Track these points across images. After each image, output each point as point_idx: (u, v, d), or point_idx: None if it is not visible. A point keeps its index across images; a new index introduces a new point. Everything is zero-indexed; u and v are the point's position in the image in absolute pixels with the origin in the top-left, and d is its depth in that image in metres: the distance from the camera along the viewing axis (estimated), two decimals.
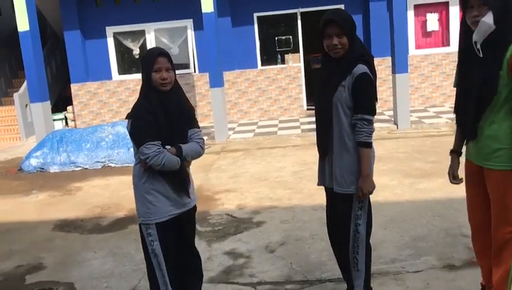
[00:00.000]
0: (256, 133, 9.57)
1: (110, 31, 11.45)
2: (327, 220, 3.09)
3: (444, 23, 10.85)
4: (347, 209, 2.80)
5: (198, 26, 11.11)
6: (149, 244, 2.78)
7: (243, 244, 4.25)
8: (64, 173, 7.86)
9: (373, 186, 2.75)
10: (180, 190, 2.76)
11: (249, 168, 6.99)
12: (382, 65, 10.62)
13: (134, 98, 11.15)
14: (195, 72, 11.39)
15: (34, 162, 8.25)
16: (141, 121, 2.65)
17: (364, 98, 2.69)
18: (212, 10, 8.89)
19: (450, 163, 2.88)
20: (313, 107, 10.80)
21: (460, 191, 5.05)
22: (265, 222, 4.76)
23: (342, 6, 10.91)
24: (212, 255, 4.04)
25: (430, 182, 5.56)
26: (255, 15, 11.15)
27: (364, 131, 2.69)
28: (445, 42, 10.89)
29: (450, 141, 7.91)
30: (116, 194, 6.34)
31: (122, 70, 11.66)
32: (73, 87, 11.37)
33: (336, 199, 2.86)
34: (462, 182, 2.84)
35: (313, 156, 7.55)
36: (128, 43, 11.52)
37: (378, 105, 2.85)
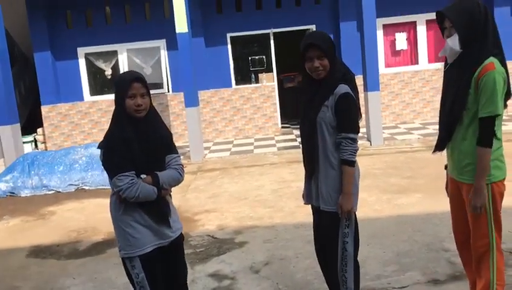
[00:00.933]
0: (232, 151, 9.56)
1: (81, 51, 11.33)
2: (315, 239, 3.08)
3: (412, 42, 11.18)
4: (334, 227, 2.81)
5: (171, 46, 11.12)
6: (135, 277, 2.63)
7: (227, 265, 4.20)
8: (36, 197, 7.63)
9: (352, 205, 2.75)
10: (160, 221, 2.62)
11: (228, 187, 6.96)
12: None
13: (106, 119, 11.03)
14: (168, 91, 11.34)
15: (3, 186, 7.99)
16: (113, 151, 2.51)
17: (347, 118, 2.73)
18: (187, 30, 8.91)
19: (444, 178, 2.94)
20: (288, 126, 10.89)
21: (438, 205, 5.19)
22: (248, 241, 4.72)
23: (313, 27, 11.16)
24: (195, 278, 3.97)
25: (407, 197, 5.66)
26: (228, 35, 11.24)
27: (349, 149, 2.72)
28: (414, 60, 11.21)
29: (423, 157, 8.09)
30: (92, 217, 6.19)
31: (94, 91, 11.51)
32: (44, 108, 11.13)
33: (321, 216, 2.87)
34: None
35: (290, 173, 7.63)
36: (100, 64, 11.40)
37: (360, 122, 2.90)
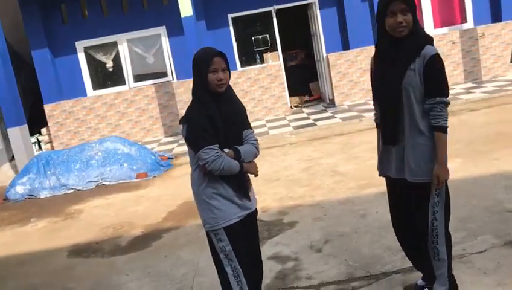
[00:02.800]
0: None
1: (80, 45, 11.01)
2: (392, 211, 2.94)
3: (417, 6, 10.97)
4: (424, 198, 2.67)
5: (172, 33, 10.86)
6: (221, 250, 2.63)
7: (284, 246, 4.07)
8: (56, 197, 7.44)
9: (448, 173, 2.62)
10: (241, 192, 2.63)
11: None
12: (361, 55, 10.66)
13: (112, 113, 10.80)
14: (173, 79, 11.09)
15: (20, 189, 7.78)
16: (197, 125, 2.53)
17: (440, 81, 2.56)
18: (191, 14, 8.67)
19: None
20: (297, 105, 10.68)
21: (481, 169, 5.09)
22: (297, 221, 4.59)
23: (316, 1, 10.94)
24: None
25: (448, 163, 5.53)
26: (230, 16, 10.98)
27: (443, 115, 2.55)
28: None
29: (468, 119, 7.87)
30: (123, 212, 6.02)
31: (97, 85, 11.23)
32: (47, 107, 10.84)
33: (407, 189, 2.72)
34: None
35: (315, 151, 7.49)
36: (101, 57, 11.11)
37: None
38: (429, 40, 2.59)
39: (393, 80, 2.62)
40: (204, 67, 2.51)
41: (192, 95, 2.62)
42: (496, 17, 10.96)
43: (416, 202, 2.70)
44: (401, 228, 2.92)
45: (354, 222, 4.29)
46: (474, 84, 10.43)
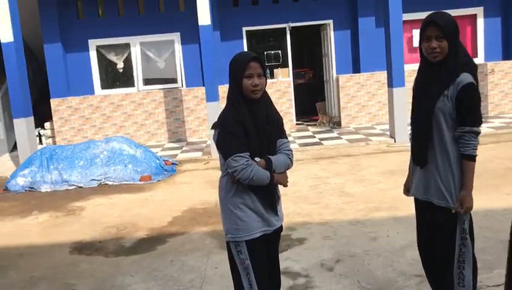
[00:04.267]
0: None
1: (92, 44, 11.01)
2: (419, 233, 2.92)
3: None
4: (452, 223, 2.65)
5: (185, 40, 10.89)
6: (240, 262, 2.54)
7: (294, 262, 4.02)
8: (57, 192, 7.35)
9: (473, 201, 2.61)
10: (268, 206, 2.54)
11: None
12: (371, 80, 10.73)
13: (119, 114, 10.76)
14: (182, 86, 11.09)
15: (21, 181, 7.70)
16: (229, 132, 2.45)
17: (472, 110, 2.56)
18: (209, 23, 8.70)
19: None
20: (300, 122, 10.76)
21: (491, 201, 5.08)
22: (307, 238, 4.55)
23: (331, 22, 11.03)
24: None
25: None
26: (244, 29, 11.04)
27: (472, 144, 2.55)
28: None
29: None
30: (127, 213, 5.95)
31: (106, 85, 11.21)
32: (53, 102, 10.79)
33: (436, 211, 2.71)
34: None
35: (322, 170, 7.47)
36: (112, 57, 11.11)
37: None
38: (468, 68, 2.58)
39: (427, 104, 2.63)
40: (240, 72, 2.44)
41: (227, 99, 2.57)
42: (507, 55, 11.08)
43: (445, 227, 2.68)
44: (426, 250, 2.89)
45: (365, 244, 4.25)
46: None
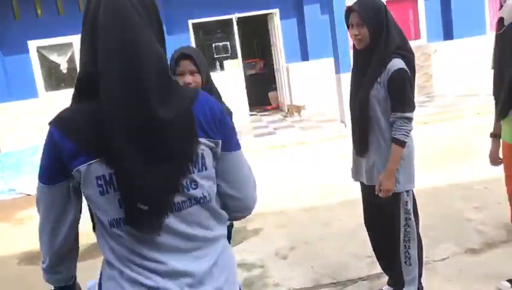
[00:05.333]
0: None
1: (32, 45, 10.57)
2: (366, 216, 2.98)
3: None
4: (396, 206, 2.71)
5: None
6: None
7: (250, 254, 4.02)
8: (4, 201, 7.06)
9: (392, 185, 2.62)
10: None
11: None
12: (319, 67, 10.84)
13: None
14: None
15: None
16: None
17: (403, 96, 2.57)
18: None
19: (490, 146, 2.89)
20: (254, 113, 10.73)
21: (439, 179, 5.25)
22: (262, 228, 4.57)
23: (277, 11, 11.04)
24: None
25: None
26: (190, 22, 10.89)
27: (403, 129, 2.57)
28: None
29: (422, 132, 8.15)
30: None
31: (50, 87, 10.80)
32: None
33: (378, 194, 2.76)
34: (501, 163, 2.86)
35: (276, 159, 7.50)
36: (55, 58, 10.71)
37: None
38: (401, 52, 2.58)
39: (362, 92, 2.65)
40: (172, 70, 2.39)
41: None
42: (448, 35, 11.45)
43: (388, 209, 2.73)
44: (373, 231, 2.96)
45: (318, 229, 4.31)
46: (426, 99, 10.82)
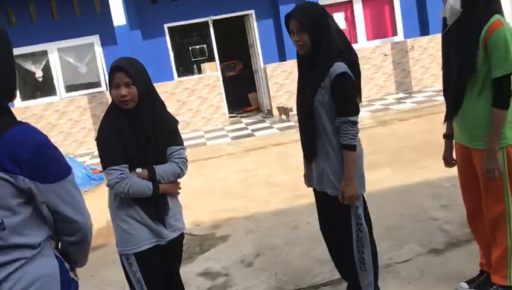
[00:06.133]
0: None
1: None
2: (320, 221, 2.94)
3: (350, 21, 11.32)
4: (345, 211, 2.67)
5: (105, 42, 10.54)
6: (132, 275, 2.46)
7: (215, 262, 3.97)
8: None
9: (355, 190, 2.59)
10: (155, 217, 2.42)
11: (189, 182, 6.60)
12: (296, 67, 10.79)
13: (41, 125, 10.28)
14: (107, 90, 10.74)
15: None
16: (102, 144, 2.35)
17: (346, 100, 2.53)
18: (125, 23, 8.45)
19: (444, 148, 2.86)
20: (234, 115, 10.72)
21: (409, 177, 5.24)
22: (230, 235, 4.51)
23: (253, 12, 11.01)
24: (186, 280, 3.69)
25: (377, 172, 5.66)
26: (166, 26, 10.81)
27: (349, 133, 2.53)
28: (353, 39, 11.35)
29: (378, 132, 8.24)
30: None
31: (25, 96, 10.68)
32: None
33: (330, 201, 2.72)
34: (455, 165, 2.84)
35: (252, 162, 7.47)
36: (30, 66, 10.58)
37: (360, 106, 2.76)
38: (342, 55, 2.54)
39: (306, 98, 2.62)
40: (109, 82, 2.35)
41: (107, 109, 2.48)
42: (424, 31, 11.48)
43: (340, 214, 2.70)
44: (328, 236, 2.92)
45: (285, 234, 4.27)
46: (405, 95, 10.84)
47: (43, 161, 1.47)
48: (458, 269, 3.14)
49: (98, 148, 2.38)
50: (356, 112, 2.55)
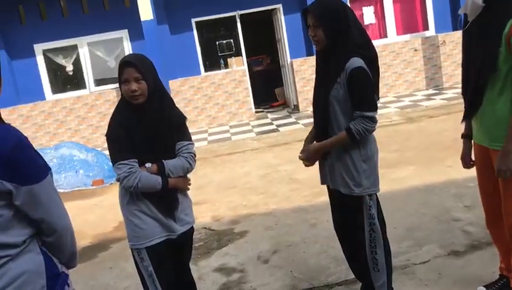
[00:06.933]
0: (209, 140, 9.28)
1: (38, 48, 10.71)
2: (334, 220, 2.90)
3: (380, 15, 11.11)
4: (358, 210, 2.63)
5: (134, 37, 10.67)
6: (144, 269, 2.50)
7: (232, 257, 3.97)
8: None
9: (314, 159, 2.68)
10: (165, 212, 2.46)
11: (213, 177, 6.70)
12: None
13: (72, 118, 10.52)
14: None
15: None
16: (112, 138, 2.40)
17: (361, 94, 2.48)
18: (152, 18, 8.54)
19: (462, 147, 2.77)
20: (261, 110, 10.68)
21: (434, 176, 5.11)
22: (248, 231, 4.51)
23: (280, 6, 10.94)
24: (202, 274, 3.73)
25: (401, 170, 5.56)
26: (193, 20, 10.87)
27: (361, 126, 2.47)
28: (383, 34, 11.16)
29: (405, 129, 8.10)
30: (74, 220, 5.70)
31: (56, 89, 10.94)
32: (3, 112, 10.38)
33: (343, 199, 2.68)
34: (473, 166, 2.74)
35: (275, 157, 7.44)
36: (60, 60, 10.83)
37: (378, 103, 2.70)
38: (360, 51, 2.49)
39: (322, 93, 2.58)
40: (119, 77, 2.38)
41: (117, 104, 2.52)
42: (456, 26, 11.16)
43: (353, 213, 2.65)
44: (342, 235, 2.88)
45: (304, 231, 4.23)
46: (435, 91, 10.58)
47: (21, 160, 1.45)
48: (478, 272, 3.04)
49: (107, 143, 2.42)
50: (372, 108, 2.50)
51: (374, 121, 2.50)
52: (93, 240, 5.00)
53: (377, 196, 2.66)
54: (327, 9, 2.49)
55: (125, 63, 2.36)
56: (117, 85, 10.68)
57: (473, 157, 2.74)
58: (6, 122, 1.52)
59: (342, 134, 2.52)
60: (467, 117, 2.60)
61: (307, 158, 2.69)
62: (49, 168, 1.56)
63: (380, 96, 2.71)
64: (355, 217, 2.64)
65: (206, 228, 4.77)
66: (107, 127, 2.46)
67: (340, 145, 2.55)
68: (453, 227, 3.80)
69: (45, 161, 1.56)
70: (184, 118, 2.54)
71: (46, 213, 1.54)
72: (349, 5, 10.79)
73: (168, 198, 2.45)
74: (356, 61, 2.45)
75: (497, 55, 2.33)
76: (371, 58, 2.54)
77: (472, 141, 2.69)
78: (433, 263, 3.29)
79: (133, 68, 2.33)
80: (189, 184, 2.57)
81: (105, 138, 2.47)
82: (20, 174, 1.45)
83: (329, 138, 2.56)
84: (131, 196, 2.42)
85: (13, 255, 1.49)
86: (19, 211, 1.50)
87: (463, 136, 2.75)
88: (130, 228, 2.47)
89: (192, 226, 2.64)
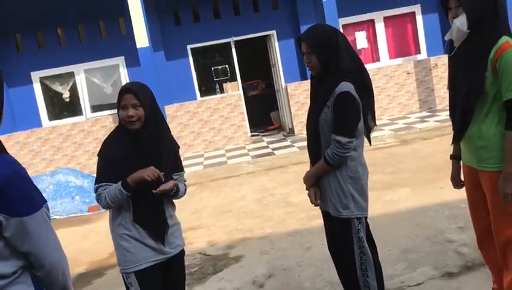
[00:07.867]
0: (205, 165, 9.31)
1: (35, 75, 10.82)
2: (327, 242, 2.93)
3: (372, 39, 11.30)
4: (347, 233, 2.65)
5: (130, 63, 10.81)
6: None
7: (227, 282, 3.97)
8: None
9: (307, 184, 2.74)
10: (156, 236, 2.48)
11: (208, 201, 6.71)
12: None
13: (69, 144, 10.56)
14: None
15: None
16: (99, 161, 2.49)
17: (342, 119, 2.52)
18: (148, 45, 8.66)
19: (451, 169, 2.82)
20: (257, 134, 10.74)
21: (428, 198, 5.15)
22: (244, 255, 4.51)
23: (274, 32, 11.12)
24: None
25: (395, 193, 5.60)
26: (189, 47, 11.03)
27: (333, 151, 2.52)
28: (375, 58, 11.33)
29: (399, 152, 8.14)
30: (70, 247, 5.79)
31: (53, 116, 11.02)
32: None
33: (333, 221, 2.71)
34: (463, 186, 2.78)
35: (270, 181, 7.47)
36: (57, 87, 10.94)
37: (373, 130, 2.79)
38: (351, 75, 2.55)
39: (313, 115, 2.65)
40: (117, 103, 2.47)
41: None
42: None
43: (342, 236, 2.68)
44: (334, 258, 2.91)
45: (299, 255, 4.24)
46: (428, 113, 10.70)
47: (14, 192, 1.45)
48: None
49: (97, 164, 2.50)
50: (347, 134, 2.51)
51: (343, 147, 2.51)
52: (89, 267, 4.98)
53: (366, 219, 2.69)
54: (318, 37, 2.58)
55: (125, 90, 2.45)
56: (113, 111, 10.85)
57: (462, 178, 2.78)
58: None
59: (321, 160, 2.59)
60: (456, 140, 2.66)
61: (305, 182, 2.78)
62: (45, 201, 1.55)
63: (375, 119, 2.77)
64: (344, 239, 2.66)
65: (201, 253, 4.76)
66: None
67: (324, 171, 2.60)
68: (447, 248, 3.82)
69: (41, 194, 1.55)
70: (178, 147, 2.64)
71: (34, 247, 1.51)
72: (341, 30, 10.98)
73: (157, 222, 2.48)
74: (345, 86, 2.51)
75: (483, 80, 2.40)
76: (363, 81, 2.61)
77: (461, 161, 2.74)
78: (428, 285, 3.30)
79: (131, 95, 2.42)
80: (174, 190, 2.55)
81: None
82: (12, 206, 1.44)
83: (312, 170, 2.66)
84: (121, 220, 2.46)
85: (2, 285, 1.48)
86: (9, 242, 1.49)
87: (451, 157, 2.80)
88: (119, 251, 2.50)
89: (183, 249, 2.66)
